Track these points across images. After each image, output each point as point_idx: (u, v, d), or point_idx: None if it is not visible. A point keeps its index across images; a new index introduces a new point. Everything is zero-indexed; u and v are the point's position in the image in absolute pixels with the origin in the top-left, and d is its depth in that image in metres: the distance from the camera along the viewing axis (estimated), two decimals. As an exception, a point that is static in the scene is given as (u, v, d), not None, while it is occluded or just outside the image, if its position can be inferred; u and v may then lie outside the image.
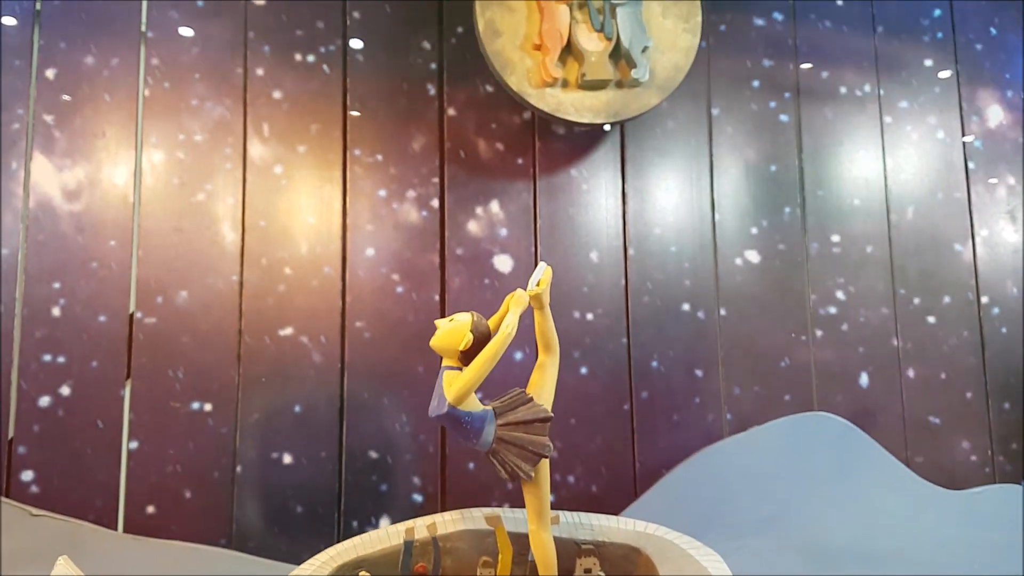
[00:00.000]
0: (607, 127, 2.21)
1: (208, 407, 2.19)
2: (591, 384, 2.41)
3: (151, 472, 2.15)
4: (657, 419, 2.43)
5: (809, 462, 2.34)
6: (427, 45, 2.44)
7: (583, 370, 2.40)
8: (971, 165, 2.72)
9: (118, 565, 2.00)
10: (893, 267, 2.62)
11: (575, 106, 2.23)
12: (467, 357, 1.50)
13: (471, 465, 2.30)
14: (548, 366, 1.66)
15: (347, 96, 2.38)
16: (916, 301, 2.62)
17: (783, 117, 2.62)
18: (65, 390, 2.13)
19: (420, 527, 1.63)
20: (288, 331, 2.27)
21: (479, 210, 2.43)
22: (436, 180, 2.42)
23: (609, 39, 2.22)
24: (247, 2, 2.36)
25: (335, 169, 2.36)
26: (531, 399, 1.55)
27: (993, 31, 2.80)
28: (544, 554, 1.52)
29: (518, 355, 2.37)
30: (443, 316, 2.36)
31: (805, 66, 2.66)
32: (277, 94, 2.35)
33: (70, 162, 2.22)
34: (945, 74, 2.76)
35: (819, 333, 2.55)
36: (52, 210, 2.19)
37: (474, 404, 1.51)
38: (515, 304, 1.54)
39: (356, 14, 2.42)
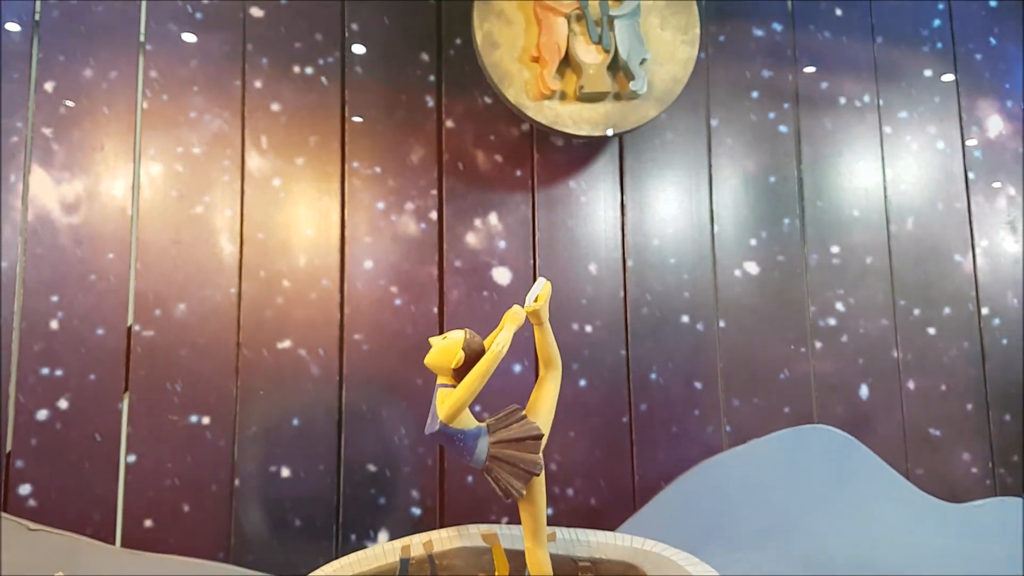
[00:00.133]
0: (609, 131, 2.21)
1: (206, 420, 2.19)
2: (590, 396, 2.40)
3: (149, 486, 2.15)
4: (656, 431, 2.43)
5: (809, 474, 2.33)
6: (425, 57, 2.44)
7: (582, 382, 2.40)
8: (971, 175, 2.71)
9: (115, 580, 2.00)
10: (893, 278, 2.61)
11: (573, 118, 2.23)
12: (460, 375, 1.50)
13: (469, 479, 2.29)
14: (548, 381, 1.66)
15: (345, 108, 2.38)
16: (916, 312, 2.62)
17: (782, 128, 2.62)
18: (63, 403, 2.13)
19: (416, 544, 1.62)
20: (286, 344, 2.27)
21: (478, 222, 2.42)
22: (435, 192, 2.42)
23: (607, 51, 2.22)
24: (245, 14, 2.36)
25: (333, 181, 2.36)
26: (524, 416, 1.55)
27: (993, 41, 2.80)
28: (540, 572, 1.52)
29: (517, 368, 2.36)
30: (441, 328, 2.36)
31: (804, 76, 2.65)
32: (275, 106, 2.35)
33: (69, 175, 2.22)
34: (947, 78, 2.75)
35: (819, 345, 2.55)
36: (51, 223, 2.19)
37: (467, 421, 1.51)
38: (510, 321, 1.53)
39: (355, 26, 2.42)
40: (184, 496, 2.16)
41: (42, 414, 2.12)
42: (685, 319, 2.49)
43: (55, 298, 2.16)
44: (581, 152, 2.50)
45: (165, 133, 2.28)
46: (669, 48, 2.28)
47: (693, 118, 2.57)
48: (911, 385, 2.58)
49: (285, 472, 2.21)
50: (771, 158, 2.60)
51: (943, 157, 2.71)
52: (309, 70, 2.38)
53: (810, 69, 2.66)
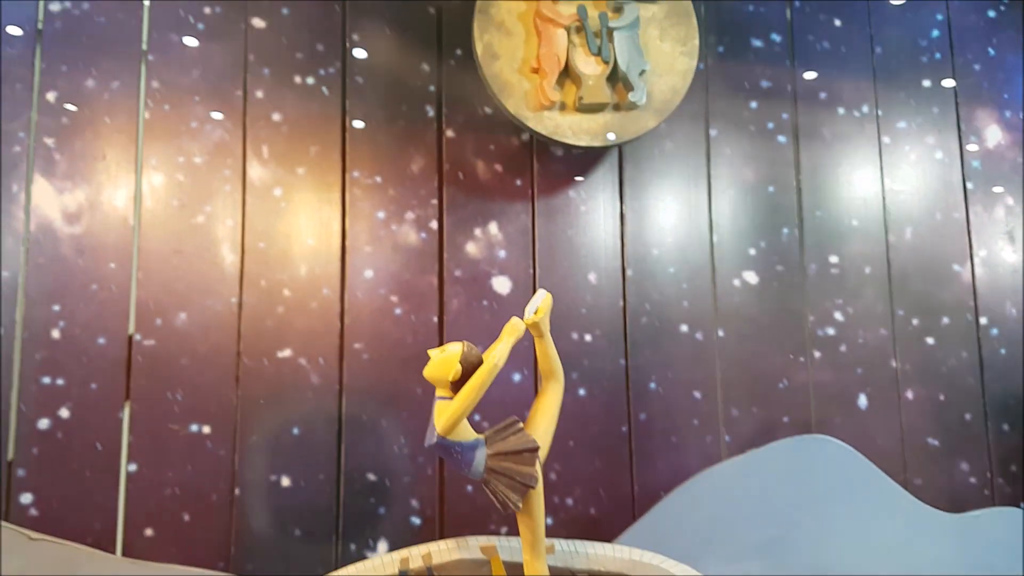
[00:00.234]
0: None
1: (207, 429, 2.20)
2: (589, 406, 2.41)
3: (150, 495, 2.15)
4: (655, 441, 2.43)
5: (807, 485, 2.33)
6: (426, 67, 2.46)
7: (581, 391, 2.40)
8: (970, 185, 2.72)
9: (116, 589, 2.01)
10: (892, 288, 2.62)
11: (573, 129, 2.24)
12: (457, 387, 1.51)
13: (469, 488, 2.30)
14: (549, 393, 1.67)
15: (346, 118, 2.39)
16: (915, 322, 2.62)
17: (781, 138, 2.63)
18: (64, 412, 2.14)
19: (415, 557, 1.63)
20: (287, 353, 2.28)
21: (478, 231, 2.43)
22: (435, 202, 2.42)
23: (606, 62, 2.23)
24: (247, 25, 2.37)
25: (334, 191, 2.37)
26: (522, 428, 1.56)
27: (991, 51, 2.81)
28: (539, 585, 1.52)
29: (516, 377, 2.37)
30: (441, 337, 2.37)
31: (803, 86, 2.66)
32: (277, 116, 2.36)
33: (71, 184, 2.23)
34: (948, 83, 2.76)
35: (817, 354, 2.55)
36: (52, 233, 2.20)
37: (465, 433, 1.52)
38: (507, 333, 1.54)
39: (356, 36, 2.43)
40: (184, 505, 2.16)
41: (43, 423, 2.12)
42: (684, 328, 2.50)
43: (57, 307, 2.17)
44: (581, 162, 2.50)
45: (167, 143, 2.29)
46: (668, 59, 2.29)
47: (692, 128, 2.58)
48: (910, 395, 2.59)
49: (285, 481, 2.22)
50: (770, 168, 2.61)
51: (942, 167, 2.72)
52: (310, 80, 2.39)
53: (810, 75, 2.67)
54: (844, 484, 2.36)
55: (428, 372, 1.54)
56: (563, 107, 2.24)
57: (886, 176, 2.68)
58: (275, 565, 2.18)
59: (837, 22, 2.71)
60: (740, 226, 2.57)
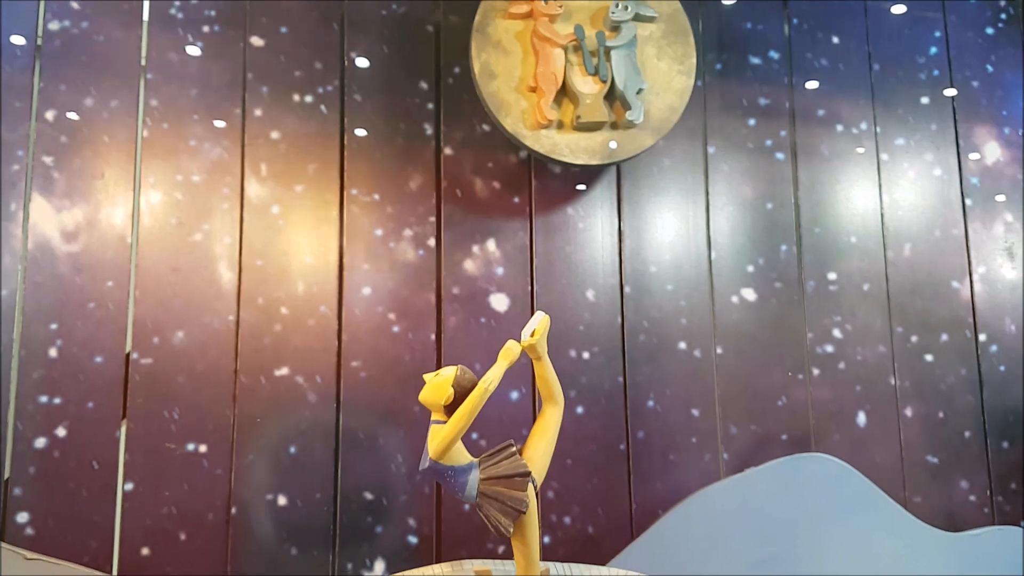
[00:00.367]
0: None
1: (203, 448, 2.20)
2: (587, 423, 2.40)
3: (146, 514, 2.15)
4: (654, 459, 2.43)
5: (806, 503, 2.32)
6: (424, 85, 2.46)
7: (579, 409, 2.40)
8: (968, 202, 2.72)
9: (111, 609, 2.00)
10: (890, 305, 2.62)
11: (570, 147, 2.24)
12: (451, 411, 1.50)
13: (466, 507, 2.29)
14: (547, 416, 1.66)
15: (345, 136, 2.40)
16: (913, 339, 2.62)
17: (779, 155, 2.63)
18: (61, 431, 2.14)
19: (410, 580, 1.62)
20: (284, 371, 2.28)
21: (475, 249, 2.43)
22: (433, 219, 2.43)
23: (604, 81, 2.23)
24: (246, 44, 2.38)
25: (332, 208, 2.37)
26: (514, 453, 1.55)
27: (989, 68, 2.81)
28: (534, 609, 1.52)
29: (514, 395, 2.37)
30: (438, 354, 2.37)
31: (801, 103, 2.66)
32: (275, 134, 2.37)
33: (69, 203, 2.23)
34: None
35: (816, 372, 2.55)
36: (50, 251, 2.20)
37: (458, 457, 1.51)
38: (502, 357, 1.53)
39: (354, 55, 2.44)
40: (181, 524, 2.16)
41: (40, 442, 2.12)
42: (682, 345, 2.50)
43: (54, 326, 2.17)
44: (579, 179, 2.51)
45: (165, 161, 2.29)
46: (665, 78, 2.29)
47: (690, 145, 2.58)
48: (909, 412, 2.58)
49: (282, 500, 2.22)
50: (768, 185, 2.61)
51: (940, 184, 2.72)
52: (309, 98, 2.40)
53: (809, 90, 2.67)
54: (843, 502, 2.35)
55: (423, 396, 1.54)
56: (561, 126, 2.24)
57: (884, 193, 2.67)
58: (271, 585, 2.18)
59: (835, 39, 2.72)
60: (738, 243, 2.57)
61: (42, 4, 2.29)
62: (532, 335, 1.65)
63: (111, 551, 2.12)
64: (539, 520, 1.77)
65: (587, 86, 2.23)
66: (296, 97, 2.39)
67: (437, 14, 2.49)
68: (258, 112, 2.36)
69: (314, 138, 2.39)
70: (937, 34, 2.79)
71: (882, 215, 2.66)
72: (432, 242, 2.41)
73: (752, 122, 2.63)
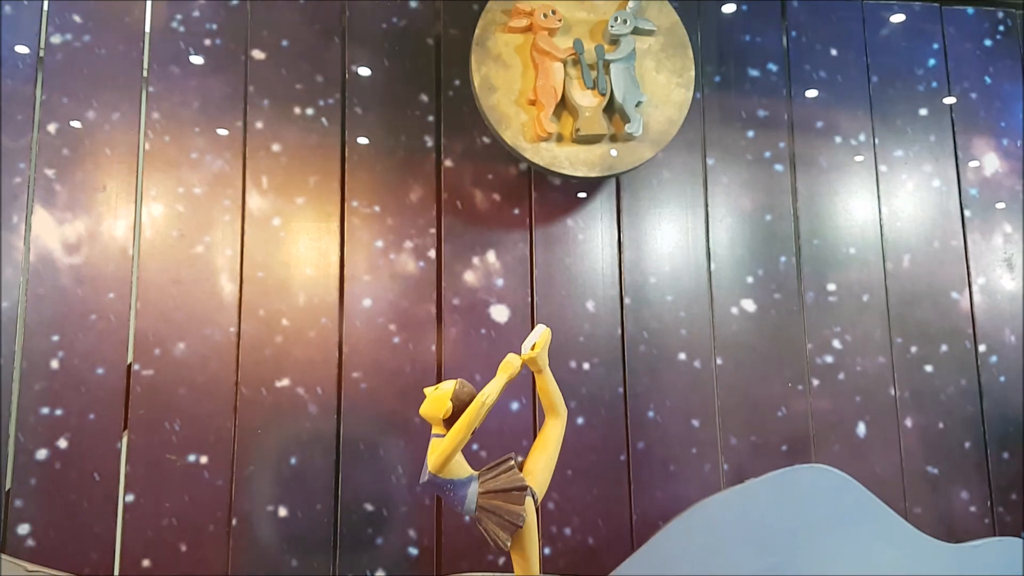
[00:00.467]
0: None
1: (204, 459, 2.20)
2: (588, 434, 2.40)
3: (147, 525, 2.15)
4: (654, 470, 2.43)
5: (806, 514, 2.32)
6: (425, 98, 2.47)
7: (580, 420, 2.40)
8: (967, 213, 2.72)
9: (112, 622, 2.00)
10: (890, 316, 2.62)
11: (570, 160, 2.25)
12: (450, 425, 1.51)
13: (467, 517, 2.29)
14: (550, 428, 1.67)
15: (345, 148, 2.41)
16: (913, 350, 2.62)
17: (778, 167, 2.64)
18: (63, 443, 2.15)
19: (410, 593, 1.63)
20: (285, 382, 2.28)
21: (476, 260, 2.44)
22: (433, 231, 2.43)
23: (603, 94, 2.24)
24: (247, 57, 2.39)
25: (333, 220, 2.38)
26: (513, 467, 1.56)
27: (988, 80, 2.82)
28: (533, 622, 1.52)
29: (515, 406, 2.37)
30: (439, 366, 2.37)
31: (800, 115, 2.67)
32: (276, 147, 2.38)
33: (71, 215, 2.24)
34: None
35: (816, 382, 2.55)
36: (52, 263, 2.21)
37: (457, 471, 1.52)
38: (502, 370, 1.55)
39: (355, 68, 2.45)
40: (182, 536, 2.16)
41: (41, 453, 2.13)
42: (682, 356, 2.50)
43: (56, 338, 2.18)
44: (578, 190, 2.52)
45: (167, 174, 2.31)
46: (664, 91, 2.31)
47: (689, 157, 2.59)
48: (909, 423, 2.58)
49: (282, 511, 2.22)
50: (767, 196, 2.62)
51: (939, 195, 2.72)
52: (310, 111, 2.41)
53: (810, 95, 2.68)
54: (843, 514, 2.35)
55: (423, 410, 1.55)
56: (560, 138, 2.25)
57: (883, 204, 2.68)
58: (272, 596, 2.18)
59: (833, 51, 2.73)
60: (737, 254, 2.58)
61: (45, 17, 2.31)
62: (533, 348, 1.66)
63: (112, 562, 2.13)
64: (539, 532, 1.77)
65: (586, 99, 2.24)
66: (297, 110, 2.40)
67: (437, 27, 2.51)
68: (259, 124, 2.38)
69: (315, 150, 2.40)
70: (935, 46, 2.80)
71: (881, 226, 2.67)
72: (432, 253, 2.42)
73: (751, 134, 2.64)
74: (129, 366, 2.21)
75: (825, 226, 2.64)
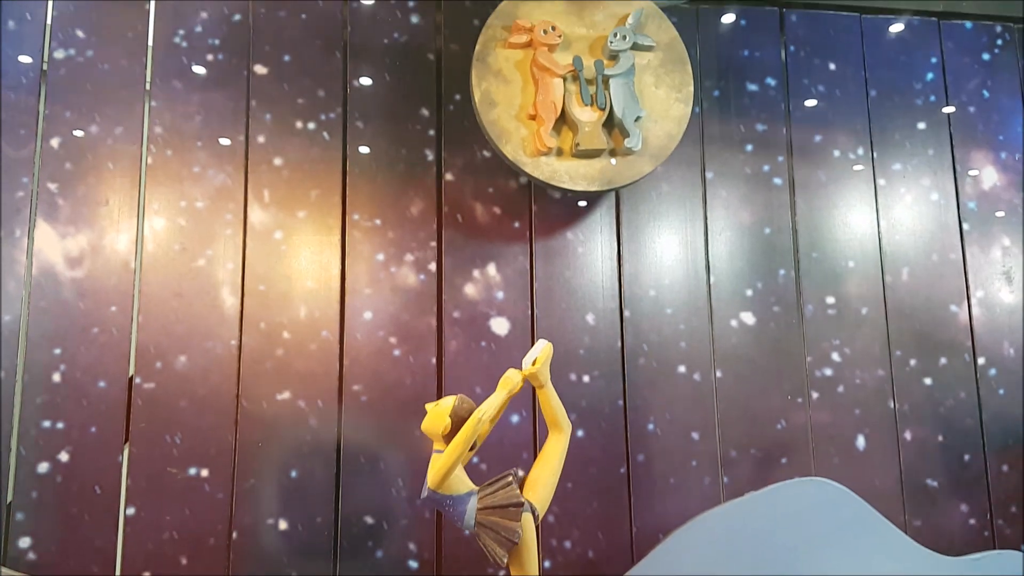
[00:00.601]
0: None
1: (205, 473, 2.21)
2: (587, 447, 2.41)
3: (148, 538, 2.16)
4: (654, 483, 2.43)
5: (806, 528, 2.32)
6: (425, 112, 2.49)
7: (579, 433, 2.41)
8: (966, 226, 2.73)
9: (112, 635, 2.00)
10: (889, 329, 2.63)
11: (570, 174, 2.26)
12: (449, 441, 1.52)
13: (467, 531, 2.29)
14: (552, 444, 1.68)
15: (347, 162, 2.42)
16: (912, 363, 2.63)
17: (777, 180, 2.65)
18: (64, 456, 2.15)
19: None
20: (285, 395, 2.29)
21: (476, 273, 2.45)
22: (434, 244, 2.45)
23: (602, 109, 2.26)
24: (249, 71, 2.41)
25: (334, 234, 2.40)
26: (511, 483, 1.57)
27: (986, 94, 2.83)
28: (533, 638, 1.52)
29: (515, 418, 2.38)
30: (439, 378, 2.38)
31: (798, 129, 2.69)
32: (278, 161, 2.39)
33: (73, 229, 2.26)
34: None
35: (815, 395, 2.56)
36: (54, 277, 2.23)
37: (457, 486, 1.53)
38: (501, 386, 1.55)
39: (356, 82, 2.47)
40: (182, 549, 2.17)
41: (43, 467, 2.14)
42: (682, 369, 2.51)
43: (57, 351, 2.19)
44: (578, 204, 2.53)
45: (169, 188, 2.32)
46: (663, 106, 2.32)
47: (688, 171, 2.60)
48: (908, 436, 2.59)
49: (282, 525, 2.22)
50: (766, 210, 2.63)
51: (937, 209, 2.74)
52: (311, 125, 2.42)
53: (808, 110, 2.69)
54: (842, 527, 2.35)
55: (423, 426, 1.56)
56: (560, 153, 2.26)
57: (882, 218, 2.69)
58: (272, 610, 2.18)
59: (832, 66, 2.74)
60: (737, 267, 2.59)
61: (48, 32, 2.32)
62: (533, 363, 1.67)
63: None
64: (539, 547, 1.78)
65: (586, 114, 2.25)
66: (299, 124, 2.42)
67: (438, 42, 2.52)
68: (261, 139, 2.39)
69: (316, 164, 2.41)
70: (933, 60, 2.82)
71: (880, 239, 2.68)
72: (433, 267, 2.43)
73: (750, 148, 2.65)
74: (130, 379, 2.22)
75: (824, 239, 2.65)
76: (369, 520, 2.27)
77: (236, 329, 2.29)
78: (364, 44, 2.49)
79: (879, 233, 2.68)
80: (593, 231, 2.53)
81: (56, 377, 2.18)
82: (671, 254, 2.56)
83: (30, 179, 2.25)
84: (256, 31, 2.43)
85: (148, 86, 2.36)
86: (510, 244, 2.49)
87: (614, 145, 2.28)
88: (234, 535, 2.19)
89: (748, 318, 2.57)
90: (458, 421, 1.52)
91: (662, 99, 2.33)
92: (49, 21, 2.32)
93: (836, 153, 2.70)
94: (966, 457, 2.61)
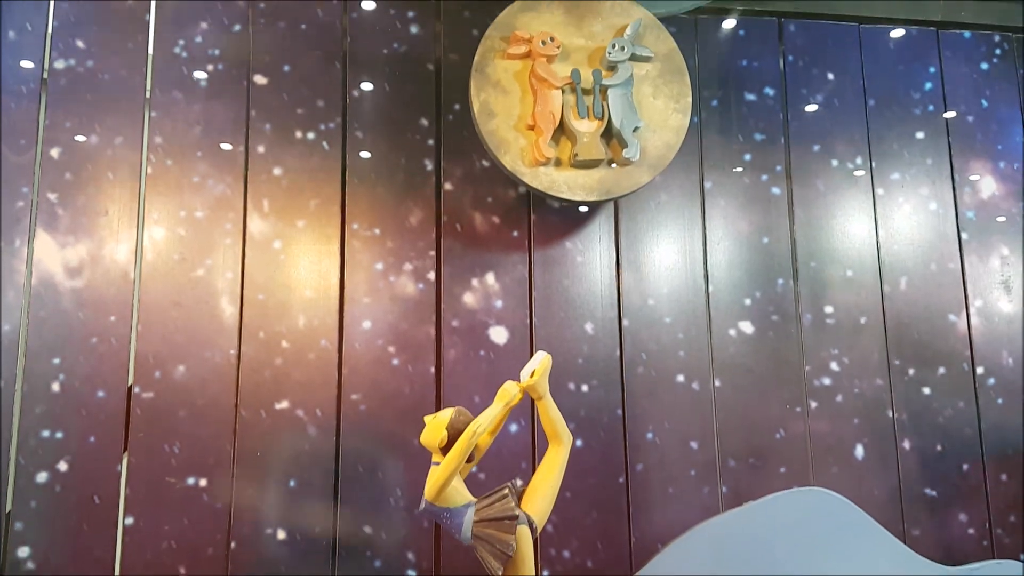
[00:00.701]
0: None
1: (203, 482, 2.21)
2: (586, 456, 2.41)
3: (146, 548, 2.16)
4: (653, 492, 2.43)
5: (805, 538, 2.32)
6: (425, 122, 2.49)
7: (578, 442, 2.41)
8: (964, 236, 2.74)
9: (110, 646, 2.01)
10: (887, 338, 2.63)
11: (568, 184, 2.27)
12: (446, 453, 1.53)
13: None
14: (552, 455, 1.68)
15: (346, 172, 2.43)
16: (911, 372, 2.63)
17: (775, 190, 2.65)
18: (63, 466, 2.16)
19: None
20: (284, 404, 2.29)
21: (475, 282, 2.46)
22: (432, 253, 2.45)
23: (598, 118, 2.26)
24: (249, 82, 2.42)
25: (333, 243, 2.40)
26: (507, 495, 1.57)
27: (984, 103, 2.84)
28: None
29: (513, 428, 2.38)
30: (438, 388, 2.38)
31: (797, 138, 2.69)
32: (277, 170, 2.40)
33: (72, 239, 2.26)
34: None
35: (814, 404, 2.56)
36: (54, 286, 2.23)
37: (454, 498, 1.53)
38: (498, 398, 1.56)
39: (356, 92, 2.47)
40: (181, 559, 2.17)
41: (42, 476, 2.14)
42: (681, 378, 2.51)
43: (57, 360, 2.19)
44: (577, 214, 2.53)
45: (168, 198, 2.33)
46: (662, 116, 2.33)
47: (687, 180, 2.61)
48: (907, 445, 2.59)
49: (281, 535, 2.22)
50: (764, 219, 2.63)
51: (936, 218, 2.74)
52: (311, 135, 2.43)
53: (806, 119, 2.70)
54: (841, 536, 2.35)
55: (422, 438, 1.56)
56: (559, 163, 2.27)
57: (880, 227, 2.70)
58: (270, 620, 2.18)
59: (830, 75, 2.75)
60: (735, 276, 2.59)
61: (48, 42, 2.33)
62: (531, 375, 1.67)
63: (111, 586, 2.13)
64: (536, 558, 1.78)
65: (584, 125, 2.26)
66: (298, 134, 2.42)
67: (437, 52, 2.53)
68: (261, 149, 2.40)
69: (316, 174, 2.42)
70: (932, 69, 2.82)
71: (878, 249, 2.68)
72: (432, 276, 2.44)
73: (748, 157, 2.66)
74: (129, 389, 2.22)
75: (822, 249, 2.65)
76: (367, 529, 2.27)
77: (235, 338, 2.30)
78: (364, 54, 2.50)
79: (877, 242, 2.68)
80: (592, 240, 2.54)
81: (55, 387, 2.18)
82: (670, 263, 2.56)
83: (30, 189, 2.25)
84: (256, 41, 2.44)
85: (148, 96, 2.36)
86: (509, 253, 2.49)
87: (612, 155, 2.28)
88: (232, 545, 2.19)
89: (747, 327, 2.57)
90: (454, 434, 1.53)
91: (660, 109, 2.33)
92: (50, 31, 2.33)
93: (834, 163, 2.71)
94: (965, 467, 2.61)
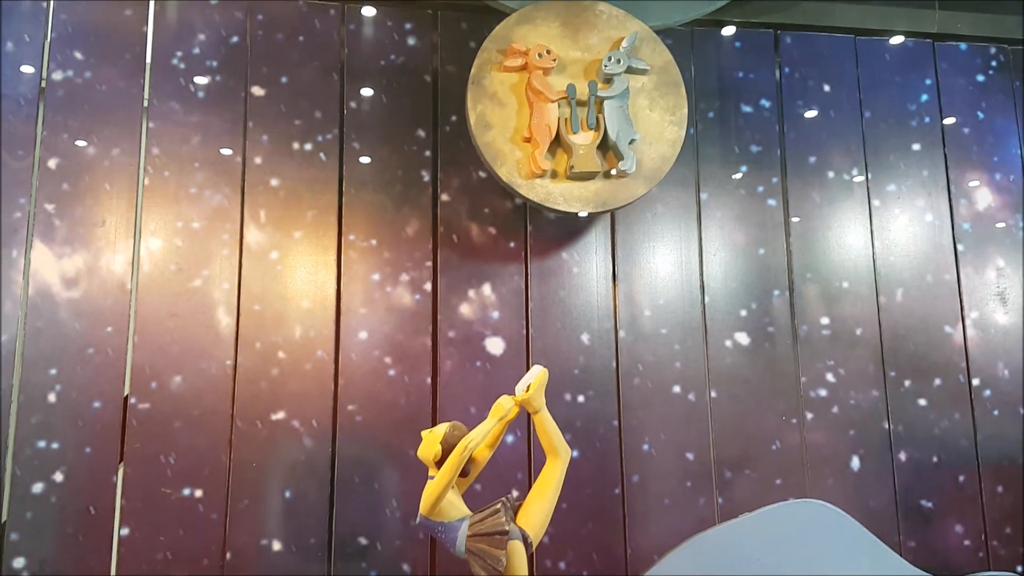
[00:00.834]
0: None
1: (199, 493, 2.21)
2: (582, 467, 2.41)
3: (142, 559, 2.16)
4: (648, 503, 2.43)
5: (800, 549, 2.32)
6: (422, 133, 2.50)
7: (574, 453, 2.39)
8: (960, 247, 2.74)
9: (105, 657, 2.00)
10: (883, 349, 2.63)
11: (564, 196, 2.28)
12: (440, 467, 1.53)
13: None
14: (550, 469, 1.68)
15: (343, 183, 2.43)
16: (907, 383, 2.63)
17: (771, 201, 2.66)
18: (59, 476, 2.16)
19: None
20: (280, 415, 2.30)
21: (471, 293, 2.46)
22: (429, 264, 2.46)
23: (592, 128, 2.27)
24: (247, 93, 2.42)
25: (330, 254, 2.41)
26: (499, 510, 1.58)
27: (980, 115, 2.84)
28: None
29: (509, 439, 2.38)
30: (434, 399, 2.39)
31: (793, 150, 2.70)
32: (275, 181, 2.41)
33: (70, 250, 2.27)
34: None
35: (809, 416, 2.56)
36: (51, 297, 2.23)
37: (449, 512, 1.54)
38: (492, 413, 1.56)
39: (353, 104, 2.48)
40: (176, 570, 2.17)
41: (38, 487, 2.14)
42: (676, 389, 2.51)
43: (53, 371, 2.20)
44: (573, 225, 2.54)
45: (166, 209, 2.33)
46: (658, 128, 2.33)
47: (683, 192, 2.61)
48: (902, 456, 2.59)
49: (276, 546, 2.23)
50: (760, 231, 2.64)
51: (932, 230, 2.74)
52: (308, 146, 2.44)
53: (803, 131, 2.70)
54: (837, 548, 2.35)
55: (418, 452, 1.57)
56: (555, 175, 2.28)
57: (876, 239, 2.70)
58: (265, 631, 2.18)
59: (826, 87, 2.76)
60: (731, 288, 2.60)
61: (46, 53, 2.34)
62: (527, 389, 1.67)
63: (106, 596, 2.13)
64: (531, 571, 1.78)
65: (580, 137, 2.26)
66: (296, 145, 2.43)
67: (435, 64, 2.54)
68: (258, 160, 2.40)
69: (313, 185, 2.42)
70: (928, 81, 2.83)
71: (874, 260, 2.68)
72: (428, 286, 2.44)
73: (744, 169, 2.66)
74: (125, 399, 2.22)
75: (818, 260, 2.66)
76: (363, 540, 2.27)
77: (231, 349, 2.30)
78: (361, 66, 2.51)
79: (873, 254, 2.69)
80: (588, 251, 2.54)
81: (51, 397, 2.18)
82: (666, 275, 2.57)
83: (27, 199, 2.26)
84: (254, 53, 2.45)
85: (146, 107, 2.37)
86: (505, 264, 2.50)
87: (608, 167, 2.29)
88: (228, 556, 2.20)
89: (743, 338, 2.57)
90: (448, 448, 1.53)
91: (656, 122, 2.34)
92: (48, 42, 2.34)
93: (831, 174, 2.71)
94: (961, 478, 2.61)
